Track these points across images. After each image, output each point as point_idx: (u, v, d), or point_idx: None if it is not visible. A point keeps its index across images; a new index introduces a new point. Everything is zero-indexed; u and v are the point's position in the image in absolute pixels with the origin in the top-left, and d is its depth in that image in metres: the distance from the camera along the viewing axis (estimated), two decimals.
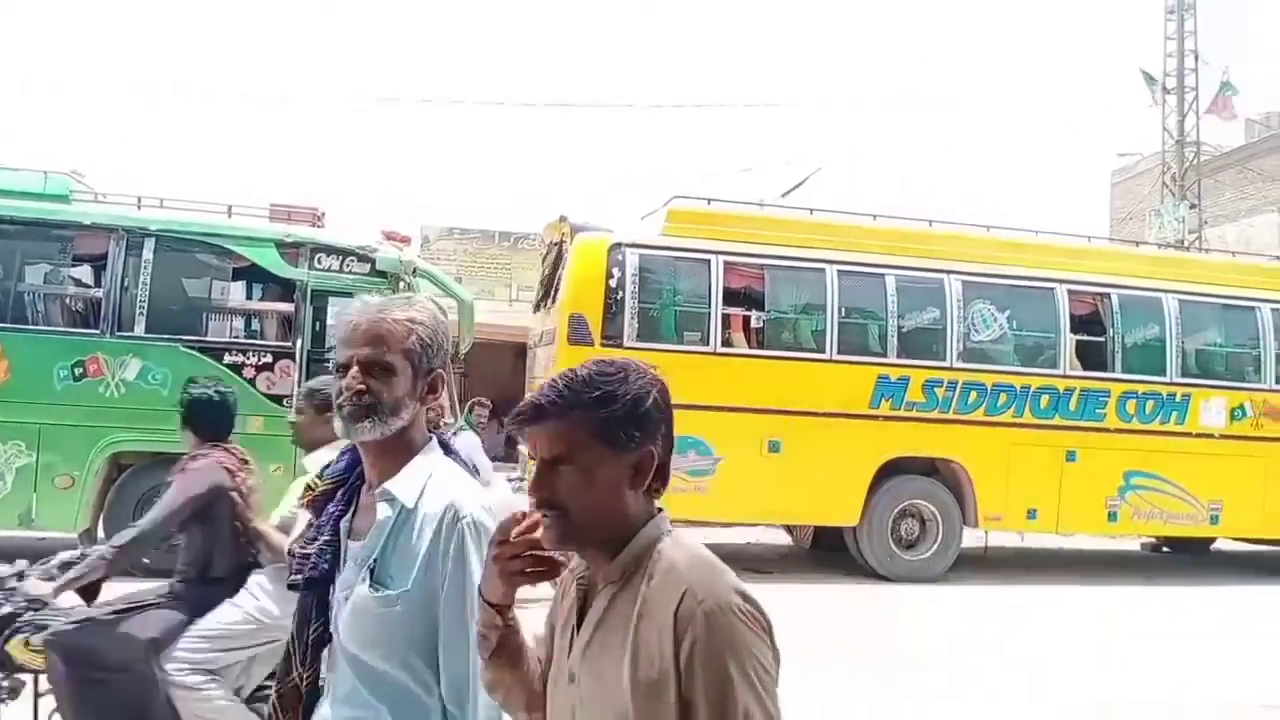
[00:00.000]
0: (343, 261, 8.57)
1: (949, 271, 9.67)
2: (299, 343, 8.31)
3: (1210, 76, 20.46)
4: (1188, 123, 19.50)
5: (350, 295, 8.85)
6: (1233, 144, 24.05)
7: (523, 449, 10.56)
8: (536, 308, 11.08)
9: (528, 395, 1.54)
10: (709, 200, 9.92)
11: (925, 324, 9.60)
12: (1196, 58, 19.31)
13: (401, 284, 8.53)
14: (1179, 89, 19.33)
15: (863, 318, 9.67)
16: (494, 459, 8.77)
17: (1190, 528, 10.30)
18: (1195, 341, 10.35)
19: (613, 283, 8.89)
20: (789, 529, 11.28)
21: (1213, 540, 11.87)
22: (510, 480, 8.58)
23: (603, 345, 8.79)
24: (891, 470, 9.42)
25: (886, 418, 9.36)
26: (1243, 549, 11.75)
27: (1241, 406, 10.25)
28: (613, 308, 8.87)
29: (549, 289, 10.22)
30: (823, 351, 9.40)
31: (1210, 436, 10.11)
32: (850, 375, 9.38)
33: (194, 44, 46.47)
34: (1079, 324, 9.97)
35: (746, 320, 9.51)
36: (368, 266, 8.58)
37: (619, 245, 9.04)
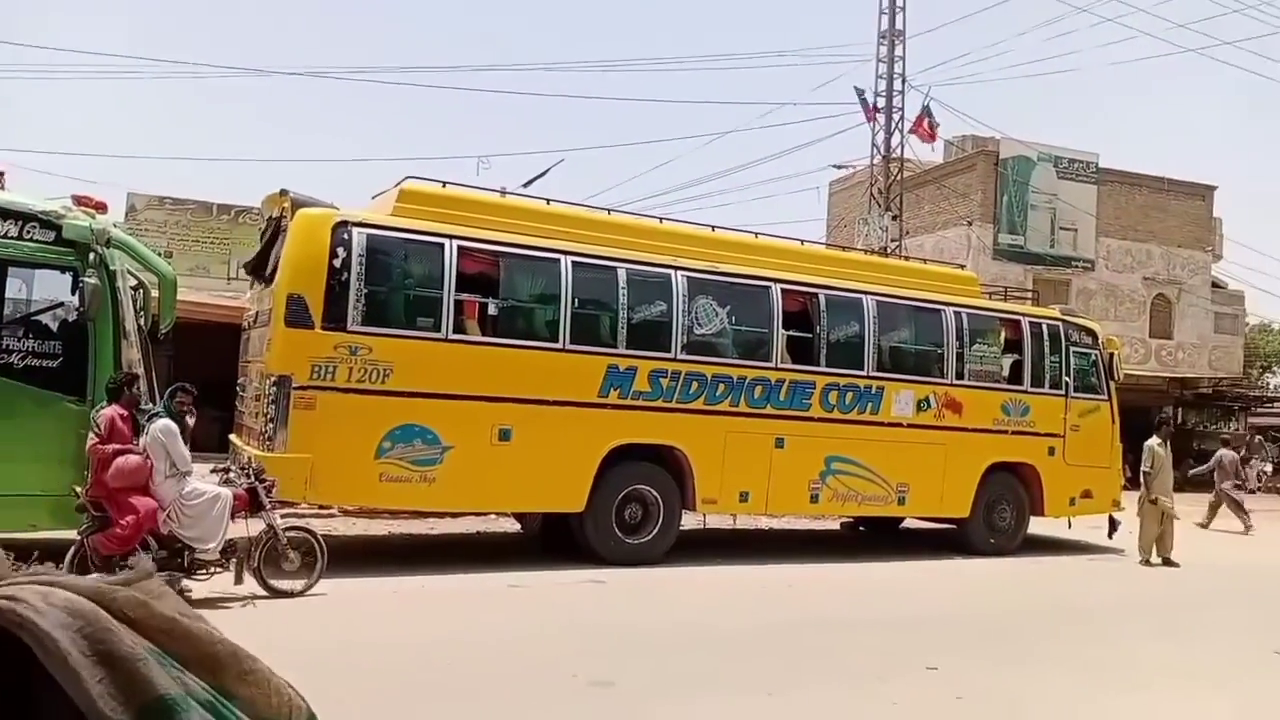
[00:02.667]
0: (21, 227, 7.63)
1: (676, 268, 10.07)
2: None
3: (916, 100, 22.68)
4: (894, 140, 21.48)
5: (30, 265, 7.93)
6: (933, 163, 26.79)
7: (234, 439, 9.90)
8: (251, 281, 10.41)
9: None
10: (444, 183, 9.73)
11: (653, 317, 9.92)
12: (904, 81, 21.31)
13: (92, 255, 7.71)
14: (887, 109, 21.25)
15: (595, 309, 9.84)
16: (200, 449, 8.17)
17: (881, 507, 11.34)
18: (890, 339, 11.39)
19: (337, 262, 8.48)
20: (519, 517, 11.32)
21: (901, 520, 13.15)
22: (215, 471, 8.01)
23: (324, 329, 8.39)
24: (618, 457, 9.68)
25: (614, 406, 9.60)
26: (925, 526, 13.13)
27: (927, 398, 11.42)
28: (336, 289, 8.47)
29: (262, 265, 9.61)
30: (556, 341, 9.48)
31: (900, 425, 11.18)
32: (581, 365, 9.53)
33: None
34: (790, 321, 10.69)
35: (480, 307, 9.41)
36: (52, 234, 7.69)
37: (345, 223, 8.64)
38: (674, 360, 9.90)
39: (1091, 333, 13.11)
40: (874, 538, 13.11)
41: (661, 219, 11.08)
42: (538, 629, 7.02)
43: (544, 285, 9.66)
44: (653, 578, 9.15)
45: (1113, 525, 12.93)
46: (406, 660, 5.85)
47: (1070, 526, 13.04)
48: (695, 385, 9.98)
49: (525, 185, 16.23)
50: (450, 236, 9.08)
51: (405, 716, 4.99)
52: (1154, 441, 12.17)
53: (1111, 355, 13.11)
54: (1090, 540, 13.07)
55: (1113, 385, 13.00)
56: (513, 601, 7.99)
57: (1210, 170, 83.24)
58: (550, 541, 10.56)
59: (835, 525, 13.93)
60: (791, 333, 10.67)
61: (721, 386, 10.14)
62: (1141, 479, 12.18)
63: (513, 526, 11.74)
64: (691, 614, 7.83)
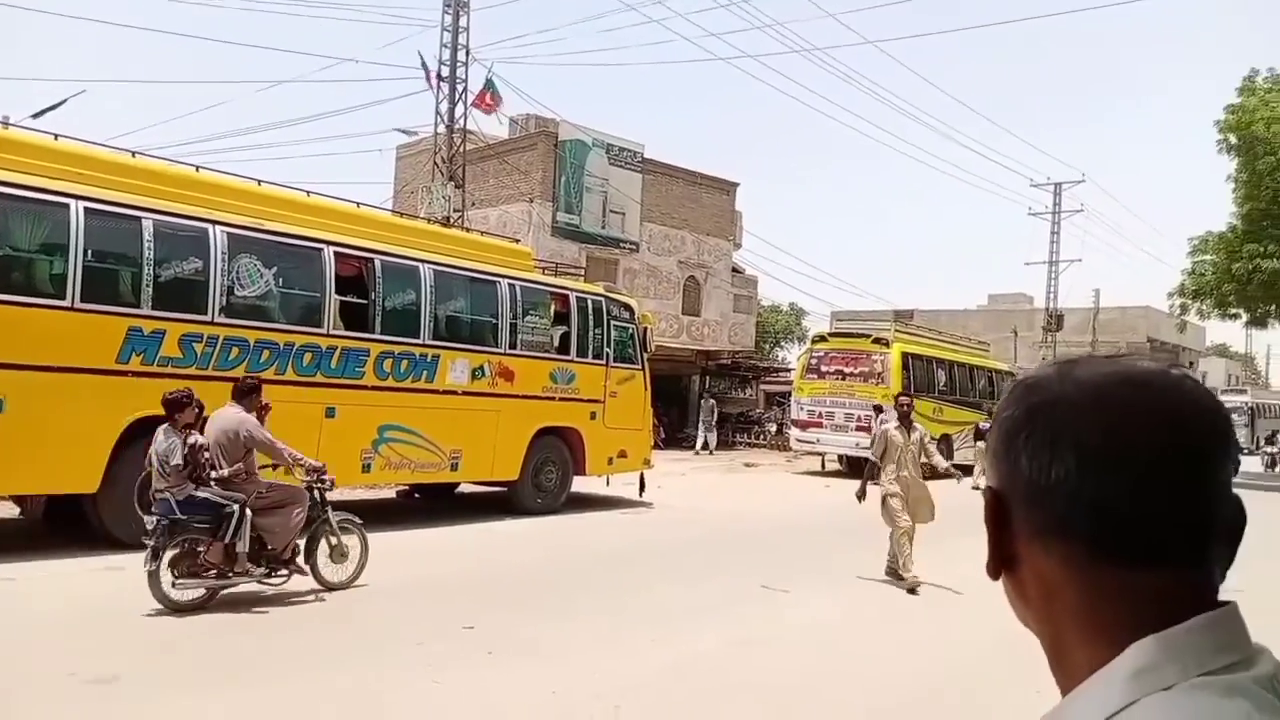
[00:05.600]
0: None
1: (214, 222, 9.26)
2: None
3: (480, 73, 22.99)
4: (458, 111, 21.60)
5: None
6: (498, 137, 27.41)
7: None
8: None
9: None
10: None
11: (186, 275, 9.05)
12: (468, 53, 21.48)
13: None
14: (451, 78, 21.30)
15: (114, 263, 8.74)
16: None
17: (434, 474, 11.47)
18: (447, 308, 11.51)
19: None
20: (18, 500, 9.78)
21: (456, 485, 13.42)
22: None
23: None
24: (141, 430, 8.71)
25: (137, 374, 8.63)
26: (478, 491, 13.54)
27: (482, 367, 11.73)
28: None
29: None
30: (62, 298, 8.27)
31: (454, 393, 11.37)
32: (95, 326, 8.43)
33: None
34: (344, 286, 10.36)
35: None
36: None
37: None
38: (211, 324, 9.14)
39: (629, 308, 14.33)
40: (428, 504, 13.22)
41: (199, 168, 10.11)
42: (30, 625, 6.12)
43: (48, 233, 8.38)
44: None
45: (642, 483, 14.32)
46: None
47: (609, 484, 14.20)
48: (235, 351, 9.30)
49: (35, 117, 13.89)
50: None
51: None
52: (889, 424, 9.47)
53: (645, 329, 14.44)
54: (625, 495, 14.35)
55: (645, 356, 14.33)
56: (2, 596, 6.88)
57: (733, 168, 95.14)
58: (57, 526, 9.26)
59: (392, 494, 13.85)
60: (345, 298, 10.35)
61: (266, 353, 9.55)
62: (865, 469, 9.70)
63: (10, 511, 10.11)
64: None
